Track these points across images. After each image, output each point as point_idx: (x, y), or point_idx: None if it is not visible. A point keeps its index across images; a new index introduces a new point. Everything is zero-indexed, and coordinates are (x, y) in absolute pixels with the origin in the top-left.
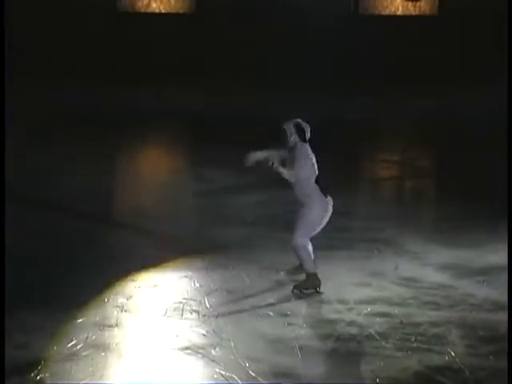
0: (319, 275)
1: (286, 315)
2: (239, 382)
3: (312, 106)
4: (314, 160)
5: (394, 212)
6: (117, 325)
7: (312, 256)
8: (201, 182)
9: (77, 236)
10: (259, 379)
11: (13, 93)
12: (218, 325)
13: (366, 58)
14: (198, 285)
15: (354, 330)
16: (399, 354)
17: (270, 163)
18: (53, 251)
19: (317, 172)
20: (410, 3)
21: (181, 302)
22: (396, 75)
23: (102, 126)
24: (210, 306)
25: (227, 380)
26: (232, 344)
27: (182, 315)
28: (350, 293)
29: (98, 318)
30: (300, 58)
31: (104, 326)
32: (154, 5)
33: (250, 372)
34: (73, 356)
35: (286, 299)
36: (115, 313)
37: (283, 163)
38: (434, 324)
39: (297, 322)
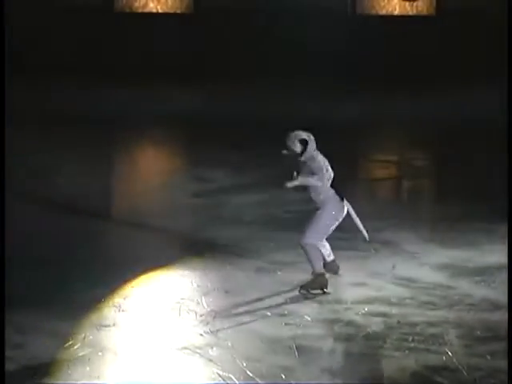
0: (308, 277)
1: (284, 315)
2: (236, 382)
3: (311, 105)
4: (328, 164)
5: (391, 212)
6: (114, 324)
7: (321, 256)
8: (199, 182)
9: (74, 236)
10: (257, 379)
11: (11, 93)
12: (215, 325)
13: (363, 58)
14: (195, 285)
15: (351, 330)
16: (397, 353)
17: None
18: (51, 251)
19: (332, 176)
20: (407, 3)
21: (178, 302)
22: (394, 75)
23: (100, 126)
24: (208, 305)
25: (225, 380)
26: (229, 344)
27: (179, 315)
28: (348, 293)
29: (95, 318)
30: (298, 57)
31: (101, 325)
32: (151, 5)
33: (248, 372)
34: (70, 356)
35: (284, 299)
36: (112, 312)
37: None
38: (431, 324)
39: (294, 322)
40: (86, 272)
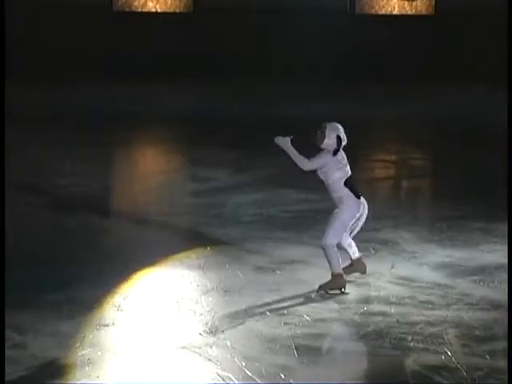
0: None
1: (283, 314)
2: (236, 381)
3: (309, 105)
4: (346, 161)
5: (390, 211)
6: (113, 324)
7: (339, 257)
8: (197, 182)
9: (73, 236)
10: (256, 379)
11: (11, 92)
12: (214, 324)
13: (362, 58)
14: (194, 284)
15: (350, 329)
16: (395, 353)
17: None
18: (51, 250)
19: (349, 173)
20: (406, 3)
21: (177, 302)
22: (393, 74)
23: (99, 125)
24: (207, 305)
25: (223, 380)
26: (228, 343)
27: (178, 314)
28: (346, 292)
29: (94, 318)
30: (297, 57)
31: (100, 325)
32: (150, 4)
33: (247, 371)
34: (69, 355)
35: (283, 298)
36: (111, 312)
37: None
38: (430, 323)
39: (293, 322)
40: (84, 271)
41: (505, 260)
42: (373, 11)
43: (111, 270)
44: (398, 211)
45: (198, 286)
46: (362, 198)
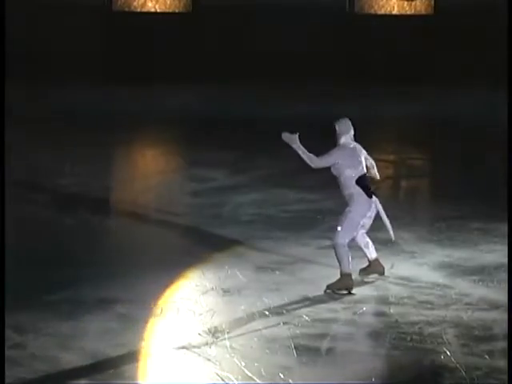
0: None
1: (282, 314)
2: (235, 381)
3: (308, 105)
4: (362, 159)
5: (389, 212)
6: (113, 324)
7: (350, 256)
8: (196, 182)
9: (73, 236)
10: (255, 379)
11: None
12: (213, 324)
13: (361, 57)
14: (193, 284)
15: (349, 330)
16: (395, 353)
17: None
18: (51, 250)
19: (364, 171)
20: (405, 2)
21: (177, 301)
22: (391, 75)
23: (97, 125)
24: (206, 305)
25: (223, 380)
26: (228, 343)
27: (177, 314)
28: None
29: (93, 319)
30: (296, 57)
31: (99, 326)
32: (149, 4)
33: (246, 371)
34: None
35: (282, 298)
36: (112, 312)
37: None
38: (429, 323)
39: (293, 322)
40: (85, 271)
41: (504, 260)
42: (372, 11)
43: (111, 270)
44: (397, 211)
45: (197, 286)
46: (374, 197)
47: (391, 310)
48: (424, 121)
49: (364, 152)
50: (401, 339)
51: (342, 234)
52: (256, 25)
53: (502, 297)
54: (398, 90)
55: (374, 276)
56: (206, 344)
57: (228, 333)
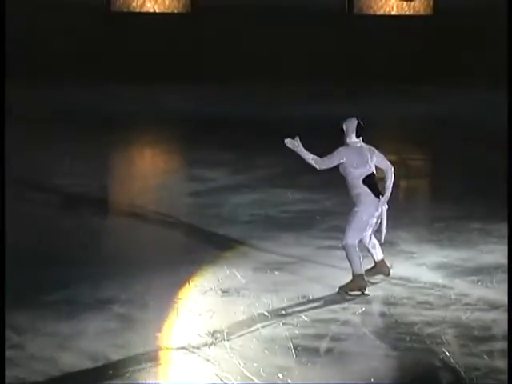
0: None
1: (281, 315)
2: (234, 381)
3: (308, 105)
4: (370, 159)
5: (388, 211)
6: (112, 324)
7: (361, 257)
8: (195, 182)
9: (72, 236)
10: (254, 379)
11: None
12: (212, 324)
13: (361, 58)
14: (192, 284)
15: (348, 330)
16: (394, 353)
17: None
18: (50, 250)
19: (371, 171)
20: (404, 3)
21: (176, 302)
22: (391, 75)
23: (96, 125)
24: (205, 305)
25: (222, 380)
26: (227, 344)
27: (176, 315)
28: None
29: (92, 319)
30: (295, 57)
31: (98, 327)
32: (148, 4)
33: (245, 372)
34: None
35: (281, 299)
36: (111, 312)
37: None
38: (428, 323)
39: (292, 322)
40: (84, 271)
41: (503, 260)
42: (371, 11)
43: (110, 270)
44: (396, 211)
45: (196, 286)
46: (381, 197)
47: (390, 311)
48: (424, 121)
49: (376, 152)
50: (400, 339)
51: (352, 235)
52: (255, 25)
53: (501, 297)
54: (398, 89)
55: (379, 277)
56: (205, 344)
57: (227, 333)
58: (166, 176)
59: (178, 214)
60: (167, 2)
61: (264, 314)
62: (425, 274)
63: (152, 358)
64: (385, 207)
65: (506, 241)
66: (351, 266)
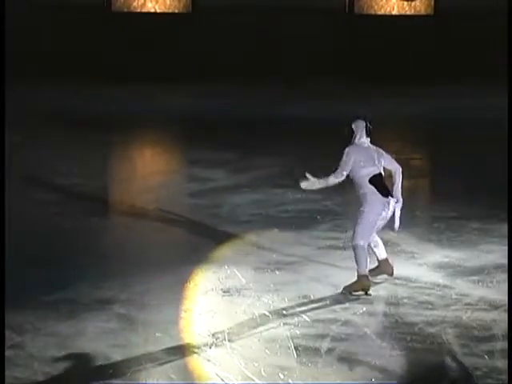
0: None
1: (282, 315)
2: (235, 381)
3: (308, 104)
4: (377, 159)
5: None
6: (112, 325)
7: (368, 258)
8: (195, 182)
9: (72, 236)
10: (255, 379)
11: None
12: (213, 324)
13: (361, 58)
14: (192, 284)
15: (349, 330)
16: (394, 353)
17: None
18: (49, 250)
19: (378, 171)
20: (405, 3)
21: (176, 302)
22: (392, 74)
23: (97, 125)
24: (206, 305)
25: (223, 380)
26: (227, 344)
27: (176, 315)
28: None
29: (92, 319)
30: (296, 57)
31: (98, 326)
32: (149, 4)
33: (246, 372)
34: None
35: (282, 299)
36: (110, 313)
37: None
38: (429, 323)
39: (292, 322)
40: (84, 272)
41: (503, 260)
42: (372, 11)
43: (110, 270)
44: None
45: (196, 286)
46: (390, 197)
47: (391, 311)
48: (424, 120)
49: (384, 154)
50: (401, 339)
51: (361, 235)
52: (256, 25)
53: (502, 297)
54: (397, 89)
55: (381, 277)
56: (206, 344)
57: (228, 333)
58: (165, 176)
59: (178, 213)
60: (168, 2)
61: (265, 314)
62: (425, 273)
63: (152, 358)
64: (399, 203)
65: (506, 241)
66: (357, 266)
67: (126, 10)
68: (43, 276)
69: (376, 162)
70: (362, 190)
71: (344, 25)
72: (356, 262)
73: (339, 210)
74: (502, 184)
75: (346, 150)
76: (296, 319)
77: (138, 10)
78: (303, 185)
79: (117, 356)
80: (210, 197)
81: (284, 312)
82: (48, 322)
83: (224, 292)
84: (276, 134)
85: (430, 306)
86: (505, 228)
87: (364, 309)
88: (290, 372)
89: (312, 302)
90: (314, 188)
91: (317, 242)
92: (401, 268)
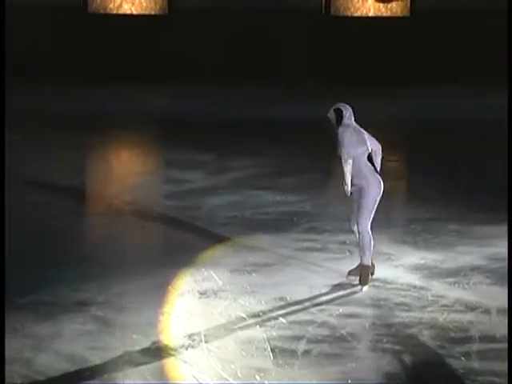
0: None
1: (258, 317)
2: (211, 383)
3: (284, 106)
4: (365, 136)
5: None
6: (90, 326)
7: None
8: (172, 184)
9: (49, 238)
10: (231, 380)
11: None
12: (189, 326)
13: (338, 59)
14: (170, 286)
15: (325, 332)
16: (371, 355)
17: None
18: (26, 252)
19: (369, 149)
20: (381, 4)
21: (153, 304)
22: (369, 76)
23: (73, 127)
24: (182, 307)
25: (199, 381)
26: (204, 345)
27: (153, 317)
28: (322, 294)
29: (69, 321)
30: (273, 58)
31: (76, 329)
32: (125, 6)
33: (222, 373)
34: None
35: (258, 301)
36: (88, 314)
37: None
38: (405, 325)
39: (269, 324)
40: (62, 273)
41: (480, 262)
42: (348, 13)
43: (87, 272)
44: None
45: (173, 288)
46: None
47: (367, 312)
48: (400, 122)
49: (366, 133)
50: (377, 341)
51: (365, 218)
52: (231, 27)
53: (478, 299)
54: (374, 91)
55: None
56: (183, 346)
57: (204, 335)
58: (142, 177)
59: (155, 215)
60: (144, 4)
61: (241, 316)
62: (402, 275)
63: (129, 360)
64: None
65: (482, 242)
66: (363, 253)
67: (102, 11)
68: (20, 277)
69: (367, 142)
70: (361, 170)
71: (320, 26)
72: (362, 249)
73: (316, 211)
74: (479, 185)
75: (340, 129)
76: (272, 321)
77: (115, 12)
78: (348, 192)
79: (94, 358)
80: (187, 198)
81: (260, 314)
82: (25, 323)
83: (201, 294)
84: (253, 136)
85: (406, 308)
86: (482, 230)
87: (340, 310)
88: (267, 373)
89: (289, 303)
90: (348, 183)
91: (293, 244)
92: (377, 270)
